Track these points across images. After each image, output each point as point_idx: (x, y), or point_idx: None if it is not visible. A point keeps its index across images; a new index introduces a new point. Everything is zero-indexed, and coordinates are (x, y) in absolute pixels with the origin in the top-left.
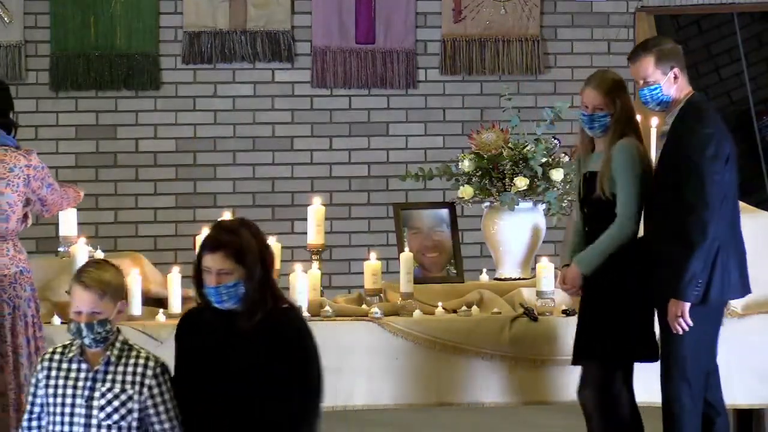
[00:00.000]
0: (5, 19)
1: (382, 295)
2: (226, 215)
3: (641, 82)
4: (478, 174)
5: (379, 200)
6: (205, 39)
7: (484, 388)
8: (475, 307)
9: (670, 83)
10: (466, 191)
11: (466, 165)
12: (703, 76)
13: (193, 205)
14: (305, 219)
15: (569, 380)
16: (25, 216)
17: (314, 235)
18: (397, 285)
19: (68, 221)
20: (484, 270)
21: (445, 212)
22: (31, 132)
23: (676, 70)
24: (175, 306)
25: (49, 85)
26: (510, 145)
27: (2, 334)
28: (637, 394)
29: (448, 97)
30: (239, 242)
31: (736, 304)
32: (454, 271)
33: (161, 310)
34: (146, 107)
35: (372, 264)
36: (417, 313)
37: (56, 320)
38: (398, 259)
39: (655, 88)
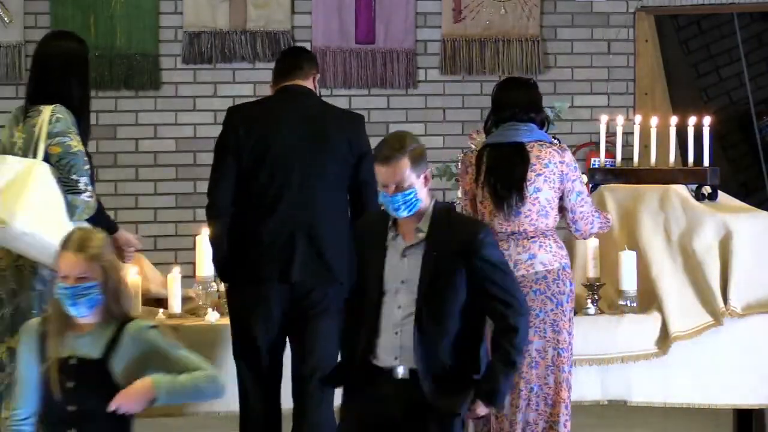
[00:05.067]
0: (5, 19)
1: None
2: None
3: (392, 186)
4: None
5: None
6: (205, 39)
7: None
8: None
9: (422, 186)
10: None
11: None
12: (703, 76)
13: (193, 205)
14: None
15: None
16: (562, 209)
17: None
18: None
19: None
20: None
21: None
22: None
23: (428, 171)
24: (175, 306)
25: None
26: None
27: (542, 329)
28: (636, 394)
29: (448, 97)
30: None
31: (736, 304)
32: None
33: (161, 310)
34: (146, 107)
35: None
36: None
37: None
38: None
39: (410, 193)
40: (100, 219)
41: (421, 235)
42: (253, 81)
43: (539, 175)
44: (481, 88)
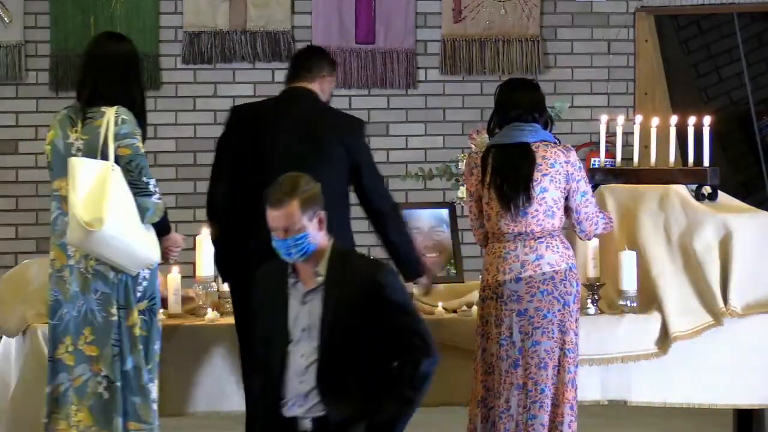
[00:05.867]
0: (5, 19)
1: None
2: None
3: (281, 232)
4: None
5: None
6: (205, 39)
7: None
8: (475, 307)
9: (315, 229)
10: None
11: None
12: (703, 76)
13: (193, 205)
14: None
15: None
16: (567, 209)
17: None
18: None
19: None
20: None
21: (445, 212)
22: (31, 132)
23: (321, 213)
24: (176, 306)
25: (49, 85)
26: None
27: (550, 329)
28: (636, 394)
29: (448, 97)
30: None
31: (736, 304)
32: (454, 271)
33: (161, 310)
34: (146, 107)
35: None
36: None
37: None
38: None
39: (301, 237)
40: (164, 220)
41: (320, 279)
42: (253, 81)
43: (545, 175)
44: (481, 88)
